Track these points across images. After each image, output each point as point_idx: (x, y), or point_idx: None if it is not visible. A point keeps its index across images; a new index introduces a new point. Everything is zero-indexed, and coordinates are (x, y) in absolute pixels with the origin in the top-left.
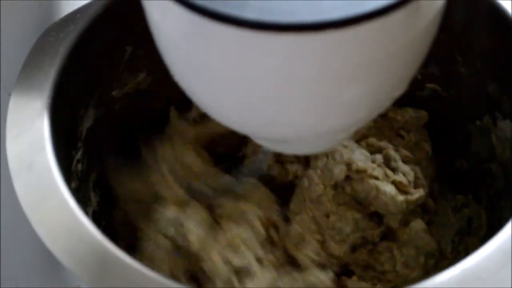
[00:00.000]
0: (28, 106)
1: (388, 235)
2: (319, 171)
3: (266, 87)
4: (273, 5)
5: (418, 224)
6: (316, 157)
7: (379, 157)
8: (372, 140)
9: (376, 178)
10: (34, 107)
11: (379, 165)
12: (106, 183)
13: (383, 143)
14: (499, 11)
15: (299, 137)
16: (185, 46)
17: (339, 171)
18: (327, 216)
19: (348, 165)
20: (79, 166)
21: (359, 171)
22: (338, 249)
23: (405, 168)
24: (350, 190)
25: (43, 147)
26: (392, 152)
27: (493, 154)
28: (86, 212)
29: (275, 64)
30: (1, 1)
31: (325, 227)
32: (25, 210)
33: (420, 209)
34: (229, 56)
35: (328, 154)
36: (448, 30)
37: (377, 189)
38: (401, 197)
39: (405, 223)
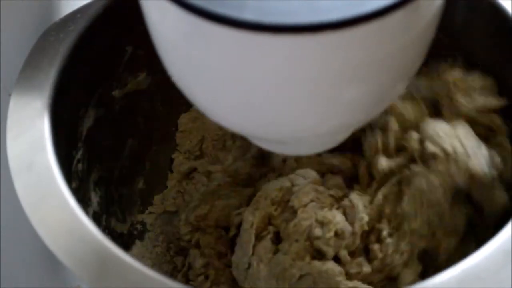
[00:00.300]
0: (28, 106)
1: None
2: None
3: (265, 88)
4: (271, 6)
5: None
6: (434, 157)
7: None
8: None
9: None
10: (34, 107)
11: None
12: (106, 183)
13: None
14: (499, 11)
15: (298, 137)
16: (183, 47)
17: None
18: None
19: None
20: (79, 166)
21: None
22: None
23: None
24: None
25: (43, 147)
26: None
27: None
28: (86, 212)
29: (274, 65)
30: (1, 1)
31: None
32: (25, 210)
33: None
34: (228, 57)
35: (449, 157)
36: (448, 30)
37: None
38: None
39: None
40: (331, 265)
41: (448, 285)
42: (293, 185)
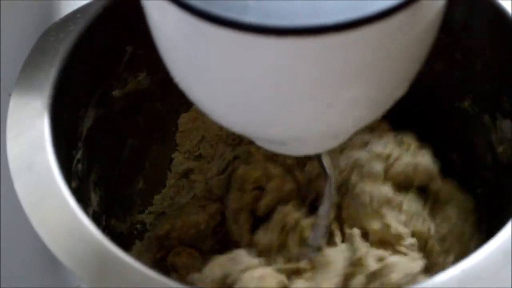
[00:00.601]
0: (28, 106)
1: None
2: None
3: (266, 89)
4: (273, 8)
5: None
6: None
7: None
8: None
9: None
10: (34, 107)
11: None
12: (106, 183)
13: None
14: (499, 11)
15: (299, 138)
16: (185, 48)
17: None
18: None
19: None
20: (79, 166)
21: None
22: None
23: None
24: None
25: (43, 147)
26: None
27: (493, 154)
28: (86, 212)
29: (275, 66)
30: (1, 1)
31: None
32: (25, 210)
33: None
34: (229, 58)
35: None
36: (448, 30)
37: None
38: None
39: None
40: None
41: (448, 285)
42: None
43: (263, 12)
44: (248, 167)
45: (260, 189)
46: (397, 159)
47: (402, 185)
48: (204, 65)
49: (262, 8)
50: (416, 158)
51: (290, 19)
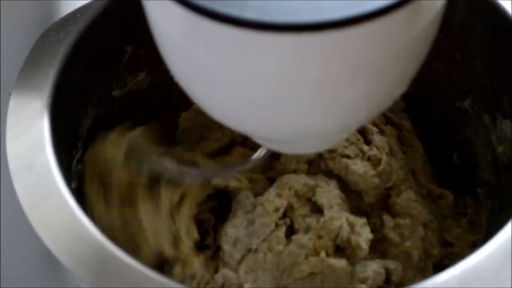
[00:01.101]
0: (28, 106)
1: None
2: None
3: (266, 87)
4: (273, 5)
5: (409, 194)
6: None
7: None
8: None
9: (348, 156)
10: (34, 107)
11: (353, 142)
12: None
13: None
14: (499, 11)
15: (299, 136)
16: (185, 45)
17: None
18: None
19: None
20: (79, 166)
21: (331, 151)
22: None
23: (380, 141)
24: (324, 167)
25: (43, 147)
26: (368, 126)
27: (493, 154)
28: (86, 212)
29: (275, 64)
30: (1, 1)
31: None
32: (25, 210)
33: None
34: (229, 56)
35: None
36: (448, 30)
37: (347, 167)
38: (371, 173)
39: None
40: (344, 265)
41: (448, 285)
42: (317, 186)
43: (263, 8)
44: None
45: None
46: None
47: None
48: (204, 63)
49: (262, 5)
50: None
51: (290, 15)
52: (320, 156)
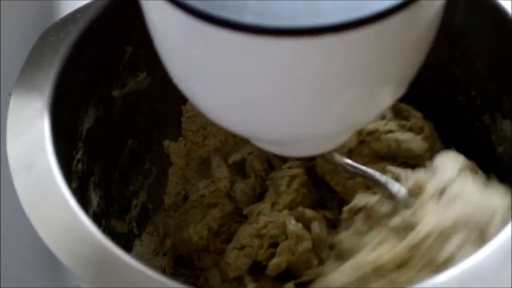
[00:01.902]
0: (28, 106)
1: None
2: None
3: (265, 90)
4: (272, 9)
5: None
6: None
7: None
8: None
9: (391, 131)
10: (34, 107)
11: (389, 120)
12: (106, 183)
13: None
14: (499, 11)
15: (298, 139)
16: (184, 48)
17: (349, 141)
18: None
19: (358, 132)
20: (79, 166)
21: (371, 133)
22: None
23: (416, 113)
24: (367, 151)
25: (43, 147)
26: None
27: (493, 154)
28: (86, 212)
29: (274, 67)
30: (1, 1)
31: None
32: (25, 210)
33: None
34: (228, 59)
35: None
36: (448, 30)
37: (396, 140)
38: (419, 137)
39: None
40: None
41: (448, 285)
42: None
43: (262, 13)
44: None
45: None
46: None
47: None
48: (202, 65)
49: (261, 9)
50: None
51: (288, 19)
52: (361, 142)
